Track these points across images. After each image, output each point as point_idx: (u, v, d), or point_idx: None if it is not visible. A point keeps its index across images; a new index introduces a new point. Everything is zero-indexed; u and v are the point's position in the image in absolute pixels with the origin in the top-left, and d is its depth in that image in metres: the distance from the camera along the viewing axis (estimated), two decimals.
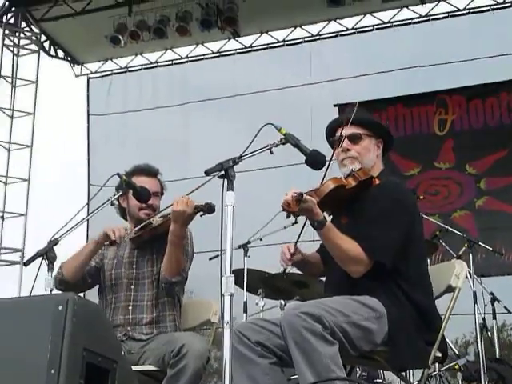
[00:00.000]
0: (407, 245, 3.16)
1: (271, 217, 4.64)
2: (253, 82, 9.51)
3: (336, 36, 9.39)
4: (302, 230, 3.40)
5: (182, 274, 3.81)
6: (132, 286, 3.87)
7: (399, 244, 3.13)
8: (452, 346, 6.13)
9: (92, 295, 4.17)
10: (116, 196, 3.60)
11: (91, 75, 10.52)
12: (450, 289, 3.39)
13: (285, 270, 3.45)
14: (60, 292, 3.77)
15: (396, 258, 3.11)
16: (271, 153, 3.03)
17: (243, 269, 5.52)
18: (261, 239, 5.66)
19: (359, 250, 3.08)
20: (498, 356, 6.43)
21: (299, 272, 3.65)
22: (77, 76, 10.57)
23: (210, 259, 5.43)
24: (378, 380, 5.47)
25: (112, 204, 3.55)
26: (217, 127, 9.59)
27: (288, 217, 3.04)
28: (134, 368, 3.41)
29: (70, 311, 2.15)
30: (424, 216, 5.84)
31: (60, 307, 2.16)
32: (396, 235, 3.13)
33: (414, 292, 3.15)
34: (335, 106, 8.62)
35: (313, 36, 9.47)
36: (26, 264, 3.32)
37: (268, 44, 9.69)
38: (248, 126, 2.89)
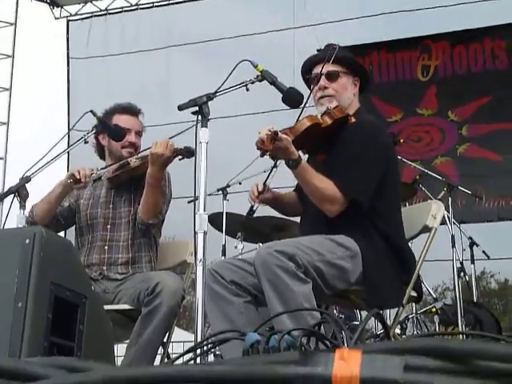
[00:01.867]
0: (383, 184, 3.14)
1: (251, 161, 4.62)
2: (236, 26, 9.34)
3: None
4: (270, 172, 3.36)
5: (159, 216, 3.80)
6: (108, 226, 3.84)
7: (375, 183, 3.12)
8: (430, 290, 6.19)
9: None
10: (89, 134, 3.53)
11: (71, 18, 10.27)
12: (426, 229, 3.37)
13: (252, 207, 3.39)
14: None
15: (372, 198, 3.10)
16: (247, 90, 2.99)
17: (222, 212, 5.52)
18: (240, 183, 5.64)
19: (335, 188, 3.05)
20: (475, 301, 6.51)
21: (274, 214, 3.63)
22: (56, 18, 10.30)
23: (189, 202, 5.40)
24: (355, 322, 5.51)
25: (85, 142, 3.47)
26: (200, 71, 9.45)
27: (262, 155, 3.00)
28: (109, 307, 3.42)
29: (38, 245, 2.12)
30: (405, 160, 5.87)
31: (27, 241, 2.12)
32: (372, 174, 3.12)
33: (389, 232, 3.14)
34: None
35: None
36: None
37: None
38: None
